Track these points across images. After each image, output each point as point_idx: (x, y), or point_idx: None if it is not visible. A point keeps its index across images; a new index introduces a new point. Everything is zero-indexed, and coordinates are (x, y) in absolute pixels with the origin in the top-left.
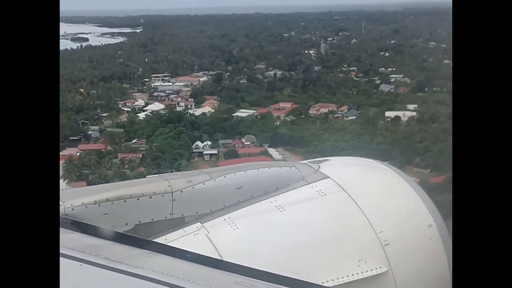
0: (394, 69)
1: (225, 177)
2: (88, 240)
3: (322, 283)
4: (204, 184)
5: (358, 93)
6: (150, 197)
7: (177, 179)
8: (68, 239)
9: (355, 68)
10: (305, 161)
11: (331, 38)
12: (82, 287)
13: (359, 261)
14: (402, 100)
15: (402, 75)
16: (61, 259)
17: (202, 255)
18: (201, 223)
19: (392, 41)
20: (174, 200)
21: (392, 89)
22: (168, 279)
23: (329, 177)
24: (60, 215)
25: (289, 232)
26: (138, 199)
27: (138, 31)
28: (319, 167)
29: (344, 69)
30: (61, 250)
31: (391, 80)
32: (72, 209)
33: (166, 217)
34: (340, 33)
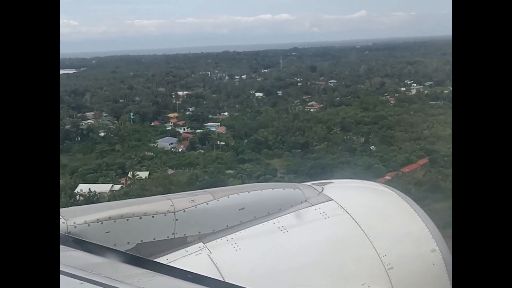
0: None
1: (228, 197)
2: (90, 258)
3: None
4: (207, 204)
5: None
6: (153, 216)
7: (180, 198)
8: (70, 256)
9: None
10: (309, 183)
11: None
12: None
13: (362, 285)
14: None
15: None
16: (62, 277)
17: (203, 275)
18: (204, 243)
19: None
20: (177, 219)
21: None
22: None
23: (332, 199)
24: (63, 232)
25: (291, 254)
26: (140, 218)
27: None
28: (323, 189)
29: None
30: (63, 268)
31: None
32: (75, 227)
33: (168, 237)
34: (266, 69)
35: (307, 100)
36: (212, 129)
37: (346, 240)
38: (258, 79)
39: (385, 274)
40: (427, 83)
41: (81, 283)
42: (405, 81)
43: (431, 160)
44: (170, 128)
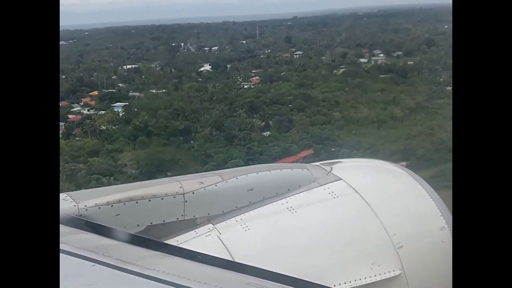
0: None
1: (237, 178)
2: (101, 241)
3: (334, 286)
4: (216, 185)
5: None
6: (162, 199)
7: (189, 180)
8: (81, 239)
9: None
10: (318, 163)
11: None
12: (94, 287)
13: (372, 264)
14: None
15: None
16: (74, 259)
17: (213, 256)
18: (213, 225)
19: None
20: (186, 201)
21: None
22: (179, 280)
23: (341, 179)
24: (74, 215)
25: (300, 234)
26: (150, 201)
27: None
28: (332, 169)
29: None
30: (74, 250)
31: None
32: (86, 209)
33: (177, 219)
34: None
35: (252, 74)
36: (116, 109)
37: (356, 220)
38: (226, 51)
39: (395, 253)
40: (396, 53)
41: (93, 265)
42: (374, 51)
43: (317, 151)
44: (77, 109)
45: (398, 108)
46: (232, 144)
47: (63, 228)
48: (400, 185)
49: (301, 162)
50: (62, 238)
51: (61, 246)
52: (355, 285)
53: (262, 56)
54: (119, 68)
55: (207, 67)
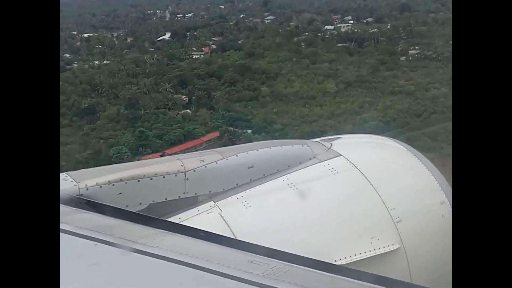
0: None
1: (237, 156)
2: (103, 220)
3: (335, 261)
4: (216, 163)
5: None
6: (164, 177)
7: (190, 158)
8: (83, 219)
9: None
10: (317, 139)
11: None
12: (98, 266)
13: (371, 238)
14: None
15: None
16: (76, 239)
17: (215, 234)
18: (214, 202)
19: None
20: (187, 179)
21: None
22: (181, 257)
23: (341, 155)
24: (75, 195)
25: (301, 210)
26: (151, 179)
27: None
28: (331, 145)
29: None
30: (76, 230)
31: None
32: (87, 189)
33: (179, 196)
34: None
35: (210, 43)
36: None
37: (355, 195)
38: (198, 18)
39: (394, 228)
40: (366, 20)
41: (95, 244)
42: (345, 18)
43: (222, 134)
44: None
45: (334, 82)
46: (135, 126)
47: (64, 208)
48: (399, 160)
49: (205, 147)
50: (63, 218)
51: (63, 226)
52: (355, 260)
53: (231, 22)
54: (79, 36)
55: (166, 36)
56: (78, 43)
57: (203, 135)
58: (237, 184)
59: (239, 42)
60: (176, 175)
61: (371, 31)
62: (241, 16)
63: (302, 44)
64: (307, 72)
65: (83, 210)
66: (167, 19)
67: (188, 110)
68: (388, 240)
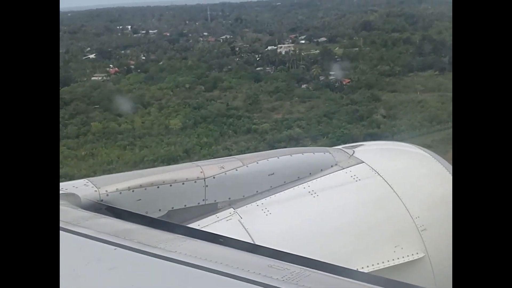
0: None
1: (257, 163)
2: (122, 225)
3: (358, 269)
4: (236, 170)
5: None
6: (183, 183)
7: (209, 165)
8: (102, 223)
9: None
10: (340, 146)
11: None
12: (117, 270)
13: (395, 247)
14: None
15: None
16: (96, 243)
17: (234, 239)
18: (234, 209)
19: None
20: (207, 186)
21: None
22: (201, 262)
23: (364, 162)
24: (96, 200)
25: (322, 218)
26: (171, 186)
27: None
28: (354, 152)
29: None
30: (96, 235)
31: None
32: (107, 195)
33: (199, 203)
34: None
35: (128, 63)
36: None
37: (378, 203)
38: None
39: (419, 236)
40: (320, 39)
41: (115, 249)
42: (299, 37)
43: None
44: None
45: (191, 115)
46: None
47: (84, 213)
48: (423, 167)
49: None
50: (83, 223)
51: (83, 231)
52: (378, 268)
53: (180, 41)
54: None
55: (92, 55)
56: None
57: None
58: (257, 191)
59: (160, 63)
60: (195, 182)
61: (312, 51)
62: (204, 34)
63: (213, 68)
64: (179, 103)
65: (103, 215)
66: (128, 35)
67: None
68: (413, 248)
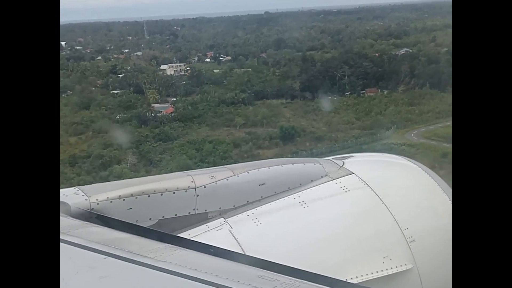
0: None
1: (248, 173)
2: (113, 234)
3: (347, 279)
4: (227, 180)
5: None
6: (174, 193)
7: (200, 174)
8: (93, 232)
9: None
10: (330, 158)
11: None
12: (107, 279)
13: (384, 258)
14: None
15: None
16: (86, 252)
17: (224, 249)
18: (224, 219)
19: None
20: (198, 195)
21: None
22: (191, 272)
23: (353, 173)
24: (86, 209)
25: (312, 228)
26: (161, 195)
27: None
28: (344, 163)
29: None
30: (87, 244)
31: None
32: (98, 203)
33: (189, 213)
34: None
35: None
36: None
37: (367, 214)
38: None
39: (407, 247)
40: (224, 58)
41: (105, 258)
42: (219, 56)
43: None
44: None
45: None
46: None
47: (74, 222)
48: (412, 179)
49: None
50: (73, 232)
51: (73, 240)
52: (366, 279)
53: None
54: None
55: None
56: None
57: None
58: (247, 201)
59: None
60: (186, 191)
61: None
62: (126, 50)
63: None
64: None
65: (94, 224)
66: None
67: None
68: (401, 260)
